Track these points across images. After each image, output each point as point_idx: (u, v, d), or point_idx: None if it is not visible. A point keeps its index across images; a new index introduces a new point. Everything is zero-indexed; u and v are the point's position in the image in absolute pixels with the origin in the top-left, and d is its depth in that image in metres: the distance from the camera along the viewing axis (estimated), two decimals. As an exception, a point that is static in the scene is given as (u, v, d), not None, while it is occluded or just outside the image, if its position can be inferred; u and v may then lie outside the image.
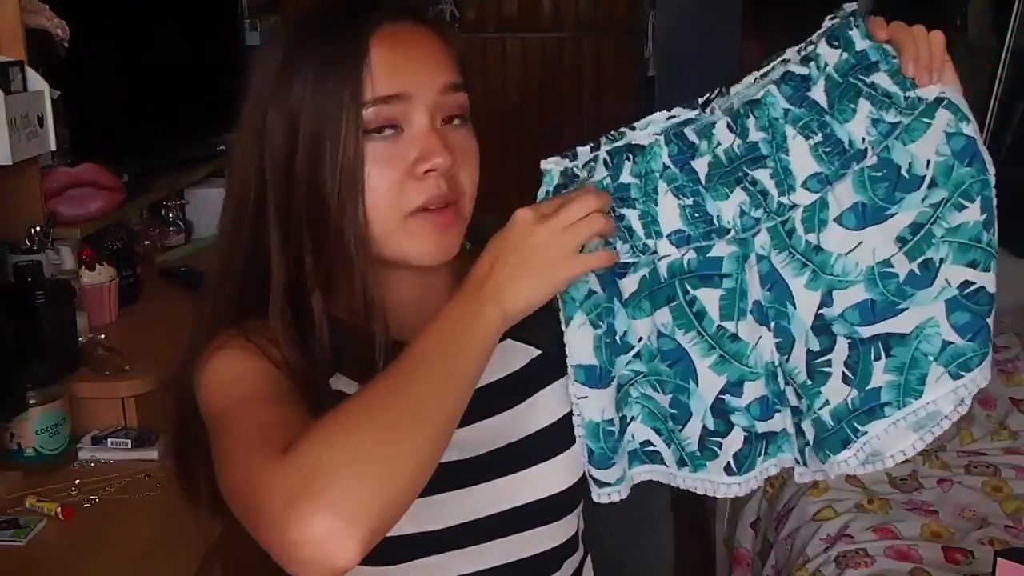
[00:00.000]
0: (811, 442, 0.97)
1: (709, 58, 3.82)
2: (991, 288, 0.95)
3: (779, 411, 0.98)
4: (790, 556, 2.17)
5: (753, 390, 0.97)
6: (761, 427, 0.99)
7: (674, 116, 0.94)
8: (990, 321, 0.95)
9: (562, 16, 4.97)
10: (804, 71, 0.92)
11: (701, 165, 0.93)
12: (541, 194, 0.93)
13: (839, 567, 1.98)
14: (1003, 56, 3.54)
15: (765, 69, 0.95)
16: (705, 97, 0.95)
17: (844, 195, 0.92)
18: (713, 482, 1.02)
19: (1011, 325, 3.08)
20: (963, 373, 0.93)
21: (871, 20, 0.92)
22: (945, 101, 0.91)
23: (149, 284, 2.37)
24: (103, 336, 1.97)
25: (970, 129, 0.92)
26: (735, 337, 0.96)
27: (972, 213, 0.94)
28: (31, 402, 1.62)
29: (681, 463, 1.02)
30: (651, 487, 1.07)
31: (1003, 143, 3.53)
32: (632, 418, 1.01)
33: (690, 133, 0.93)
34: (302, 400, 0.89)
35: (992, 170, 0.94)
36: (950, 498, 2.21)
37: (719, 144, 0.93)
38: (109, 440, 1.71)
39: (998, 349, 2.94)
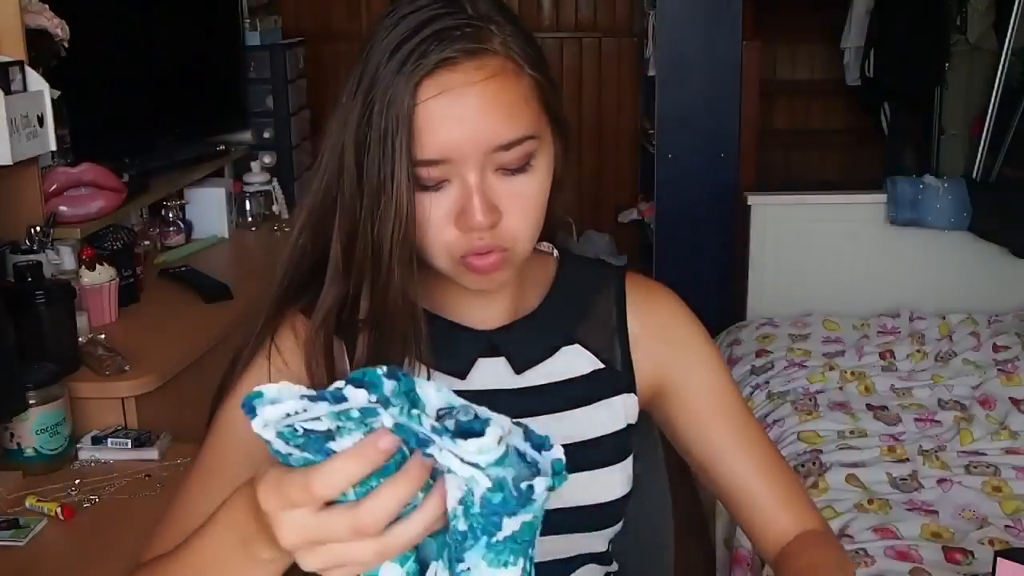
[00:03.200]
0: None
1: (709, 58, 3.82)
2: None
3: None
4: (790, 556, 2.17)
5: None
6: None
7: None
8: None
9: (562, 16, 4.97)
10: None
11: None
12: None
13: (839, 567, 1.98)
14: (1003, 56, 3.54)
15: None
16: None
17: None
18: None
19: (1011, 325, 3.08)
20: None
21: None
22: None
23: (149, 284, 2.37)
24: (103, 336, 1.97)
25: None
26: None
27: None
28: (31, 402, 1.62)
29: None
30: (653, 490, 1.07)
31: (1003, 143, 3.54)
32: None
33: None
34: None
35: None
36: (950, 498, 2.21)
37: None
38: (109, 440, 1.71)
39: (998, 349, 2.94)
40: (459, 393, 0.99)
